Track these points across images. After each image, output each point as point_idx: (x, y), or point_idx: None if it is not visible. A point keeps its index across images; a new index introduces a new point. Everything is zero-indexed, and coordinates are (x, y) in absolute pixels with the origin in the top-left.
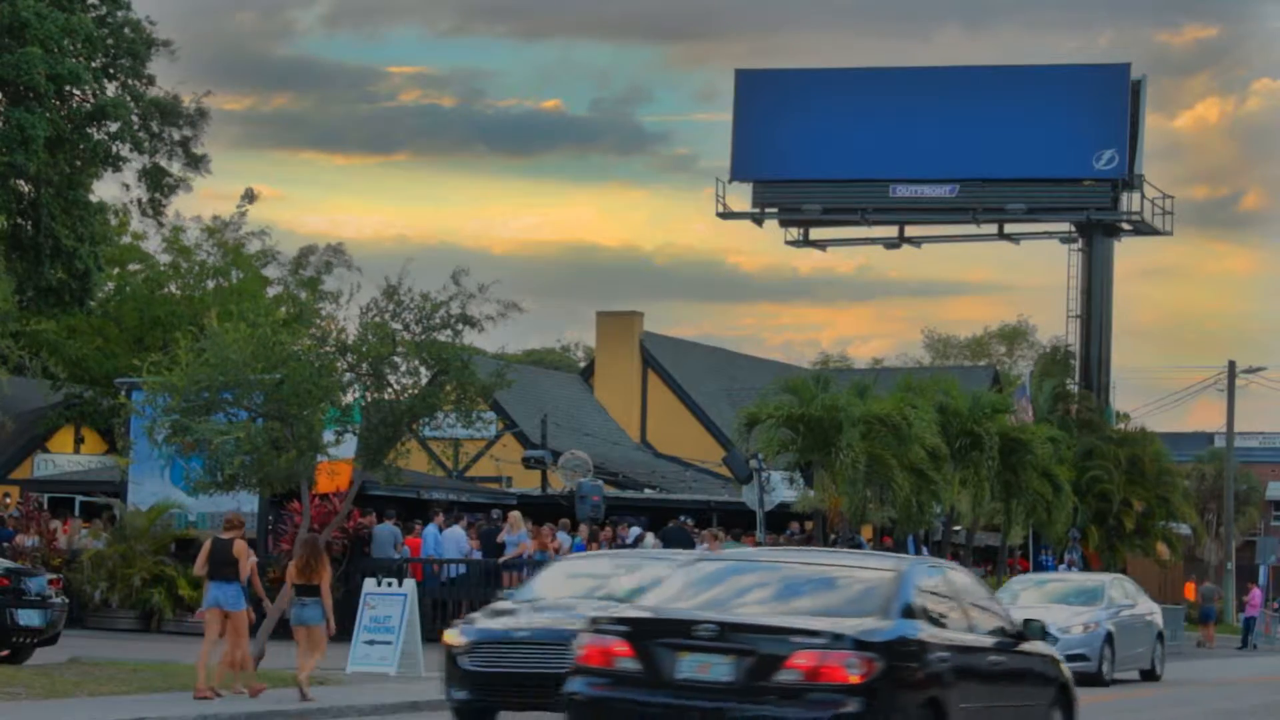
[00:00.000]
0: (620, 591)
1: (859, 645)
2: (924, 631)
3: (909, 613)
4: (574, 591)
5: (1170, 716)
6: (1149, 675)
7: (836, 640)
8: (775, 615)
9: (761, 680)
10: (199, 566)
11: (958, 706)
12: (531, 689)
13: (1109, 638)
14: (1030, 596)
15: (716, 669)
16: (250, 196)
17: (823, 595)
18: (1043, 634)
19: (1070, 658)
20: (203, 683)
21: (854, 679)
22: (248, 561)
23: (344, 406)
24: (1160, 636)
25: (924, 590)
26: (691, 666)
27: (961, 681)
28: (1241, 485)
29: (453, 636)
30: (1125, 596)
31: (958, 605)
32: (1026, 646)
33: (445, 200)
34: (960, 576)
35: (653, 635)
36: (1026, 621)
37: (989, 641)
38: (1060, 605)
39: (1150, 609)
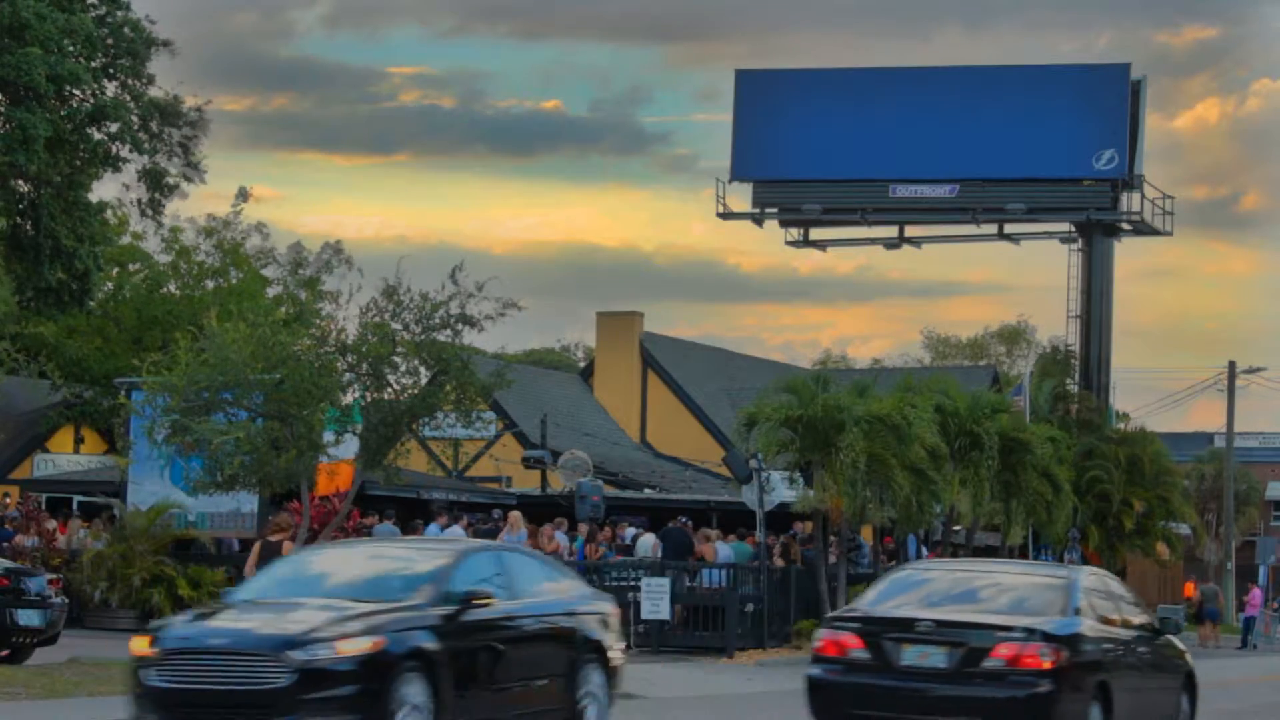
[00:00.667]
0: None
1: (1048, 638)
2: (1093, 627)
3: (1079, 611)
4: (340, 583)
5: None
6: None
7: (1030, 634)
8: (976, 614)
9: (971, 666)
10: (250, 568)
11: (1118, 688)
12: (225, 712)
13: None
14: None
15: (934, 657)
16: (244, 195)
17: (1008, 598)
18: (1177, 629)
19: None
20: None
21: (1046, 665)
22: None
23: (344, 406)
24: None
25: (1088, 593)
26: (914, 655)
27: (1120, 668)
28: (1241, 485)
29: (140, 644)
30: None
31: (1113, 605)
32: (1162, 640)
33: (445, 200)
34: (1112, 582)
35: (881, 631)
36: (1163, 619)
37: (1137, 635)
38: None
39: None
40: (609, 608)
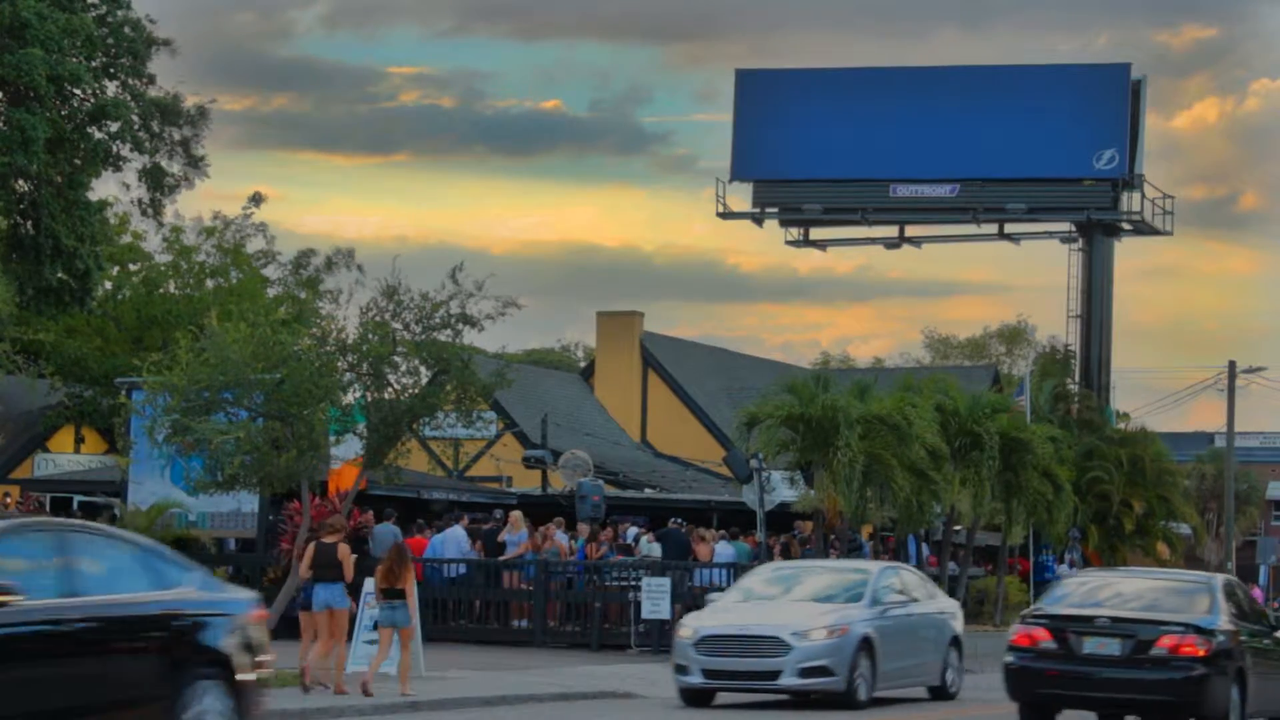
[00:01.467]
0: None
1: (1200, 631)
2: (1231, 623)
3: (1220, 610)
4: None
5: None
6: (939, 693)
7: (1187, 628)
8: (1142, 612)
9: (1140, 654)
10: (304, 570)
11: (1251, 673)
12: None
13: (866, 645)
14: (767, 590)
15: (1109, 647)
16: (257, 200)
17: (1164, 598)
18: None
19: (807, 671)
20: (340, 679)
21: (1200, 653)
22: (350, 562)
23: (344, 406)
24: (957, 642)
25: (1224, 593)
26: (1093, 645)
27: (1251, 656)
28: (1242, 485)
29: None
30: (902, 591)
31: (1242, 605)
32: (1276, 634)
33: (445, 200)
34: (1239, 586)
35: (1066, 626)
36: (1277, 617)
37: (1259, 629)
38: (806, 603)
39: (943, 607)
40: (247, 611)
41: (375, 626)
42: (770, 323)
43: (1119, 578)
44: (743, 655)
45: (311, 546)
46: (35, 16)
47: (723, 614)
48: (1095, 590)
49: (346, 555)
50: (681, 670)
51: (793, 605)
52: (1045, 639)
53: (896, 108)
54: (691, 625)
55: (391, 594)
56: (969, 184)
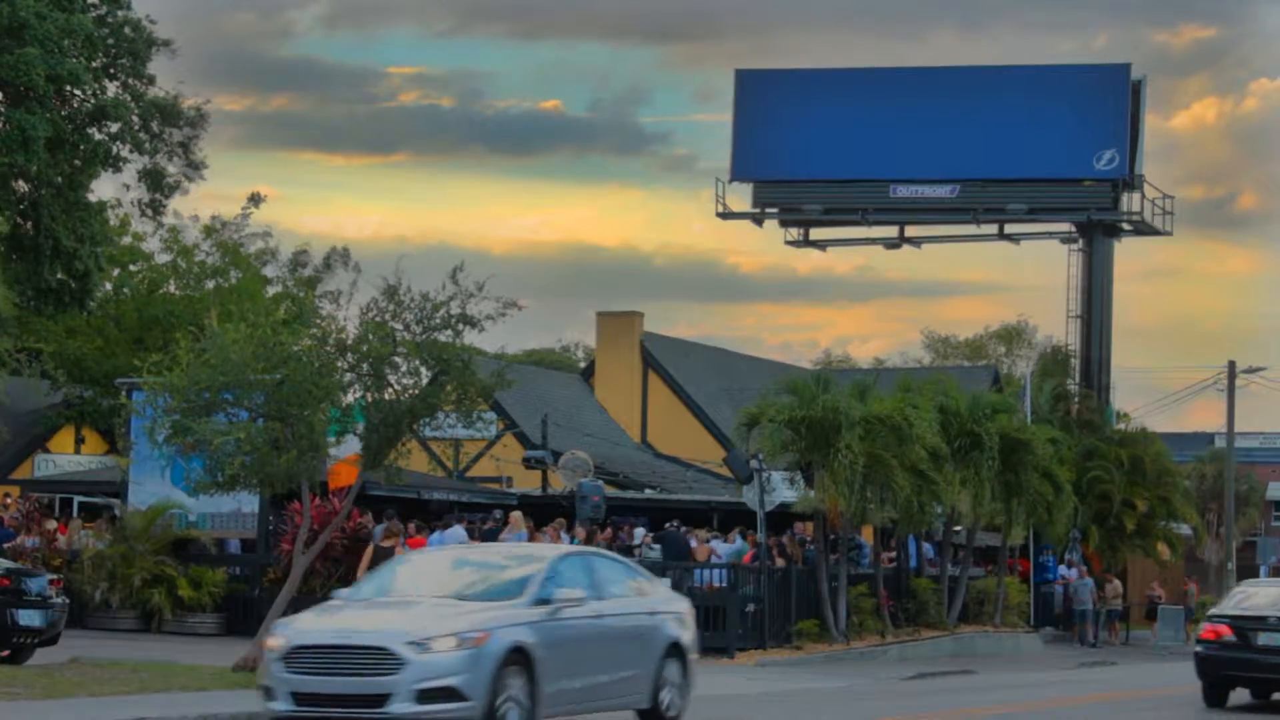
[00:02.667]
0: None
1: None
2: None
3: None
4: None
5: (1173, 717)
6: (651, 717)
7: None
8: None
9: None
10: (362, 574)
11: None
12: None
13: (519, 658)
14: (402, 585)
15: (1278, 639)
16: (256, 200)
17: None
18: None
19: (427, 695)
20: None
21: None
22: None
23: (344, 407)
24: (679, 650)
25: None
26: (1266, 638)
27: None
28: (1242, 485)
29: None
30: (592, 585)
31: None
32: None
33: (445, 200)
34: None
35: (1244, 623)
36: None
37: None
38: (444, 602)
39: (659, 606)
40: None
41: None
42: (770, 323)
43: (1261, 587)
44: (341, 674)
45: (370, 549)
46: (34, 16)
47: (327, 617)
48: (1249, 597)
49: None
50: (267, 694)
51: (423, 605)
52: (1228, 634)
53: (896, 108)
54: (284, 633)
55: None
56: (969, 184)
